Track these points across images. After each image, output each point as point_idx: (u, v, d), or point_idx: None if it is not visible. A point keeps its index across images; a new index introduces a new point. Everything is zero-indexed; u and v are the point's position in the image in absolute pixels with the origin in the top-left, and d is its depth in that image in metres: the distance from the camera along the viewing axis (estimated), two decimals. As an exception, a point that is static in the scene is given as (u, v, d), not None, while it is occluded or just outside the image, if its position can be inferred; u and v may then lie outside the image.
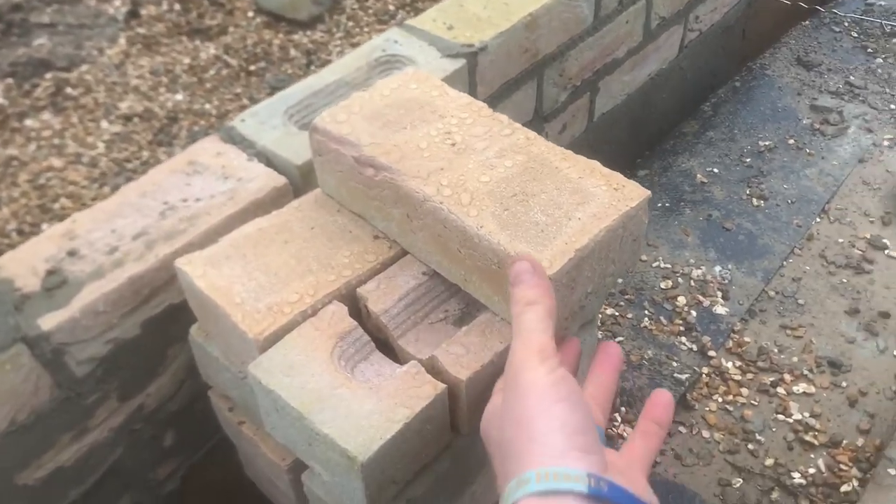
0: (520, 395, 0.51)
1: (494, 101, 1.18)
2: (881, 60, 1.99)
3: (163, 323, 0.85)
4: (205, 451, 1.00)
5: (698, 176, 1.68)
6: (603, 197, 0.69)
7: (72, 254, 0.81)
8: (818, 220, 1.58)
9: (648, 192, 0.70)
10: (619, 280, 1.43)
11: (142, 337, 0.84)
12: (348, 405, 0.63)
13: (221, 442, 0.98)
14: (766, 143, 1.75)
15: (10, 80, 1.54)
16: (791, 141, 1.76)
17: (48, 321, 0.75)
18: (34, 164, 1.37)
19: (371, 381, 0.67)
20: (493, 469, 0.55)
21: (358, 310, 0.75)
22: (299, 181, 0.91)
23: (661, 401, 0.60)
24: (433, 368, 0.68)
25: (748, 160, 1.71)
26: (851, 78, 1.93)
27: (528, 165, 0.72)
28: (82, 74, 1.58)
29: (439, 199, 0.68)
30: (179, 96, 1.53)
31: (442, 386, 0.65)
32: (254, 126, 0.97)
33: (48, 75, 1.57)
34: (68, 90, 1.54)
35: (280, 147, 0.93)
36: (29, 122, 1.47)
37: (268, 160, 0.93)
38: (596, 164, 0.72)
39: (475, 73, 1.11)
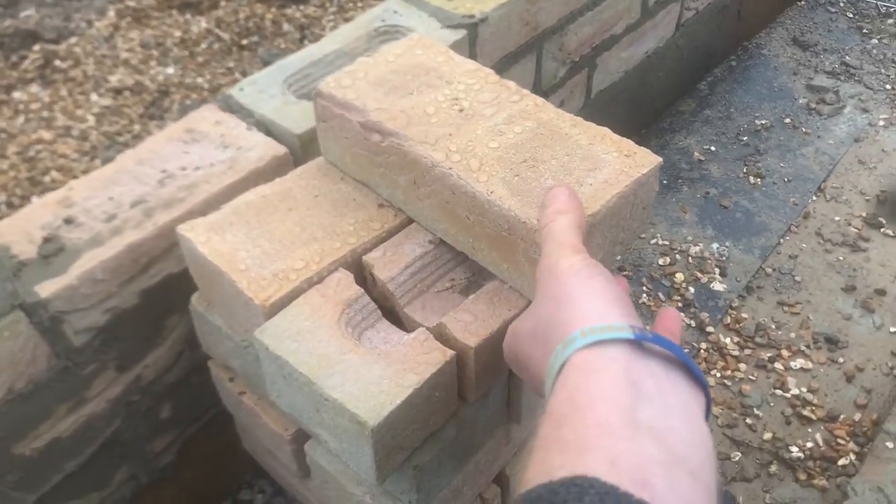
0: (556, 278, 0.52)
1: (494, 73, 1.17)
2: (876, 41, 1.99)
3: (161, 293, 0.83)
4: (202, 423, 0.99)
5: (695, 154, 1.67)
6: (614, 163, 0.68)
7: (69, 221, 0.79)
8: (814, 198, 1.58)
9: (659, 159, 0.69)
10: (618, 257, 1.43)
11: (140, 306, 0.82)
12: (357, 370, 0.62)
13: (219, 415, 0.97)
14: (763, 121, 1.75)
15: (-3, 52, 1.51)
16: (787, 120, 1.76)
17: (46, 288, 0.74)
18: (23, 136, 1.34)
19: (379, 347, 0.66)
20: (529, 371, 0.55)
21: (363, 278, 0.73)
22: (299, 151, 0.90)
23: (669, 315, 0.60)
24: (441, 335, 0.67)
25: (745, 139, 1.71)
26: (847, 58, 1.92)
27: (538, 132, 0.70)
28: (71, 47, 1.54)
29: (448, 165, 0.67)
30: (171, 70, 1.50)
31: (451, 352, 0.64)
32: (252, 95, 0.95)
33: (36, 47, 1.53)
34: (57, 62, 1.50)
35: (279, 116, 0.91)
36: (17, 95, 1.43)
37: (267, 129, 0.91)
38: (606, 130, 0.71)
39: (475, 44, 1.10)
